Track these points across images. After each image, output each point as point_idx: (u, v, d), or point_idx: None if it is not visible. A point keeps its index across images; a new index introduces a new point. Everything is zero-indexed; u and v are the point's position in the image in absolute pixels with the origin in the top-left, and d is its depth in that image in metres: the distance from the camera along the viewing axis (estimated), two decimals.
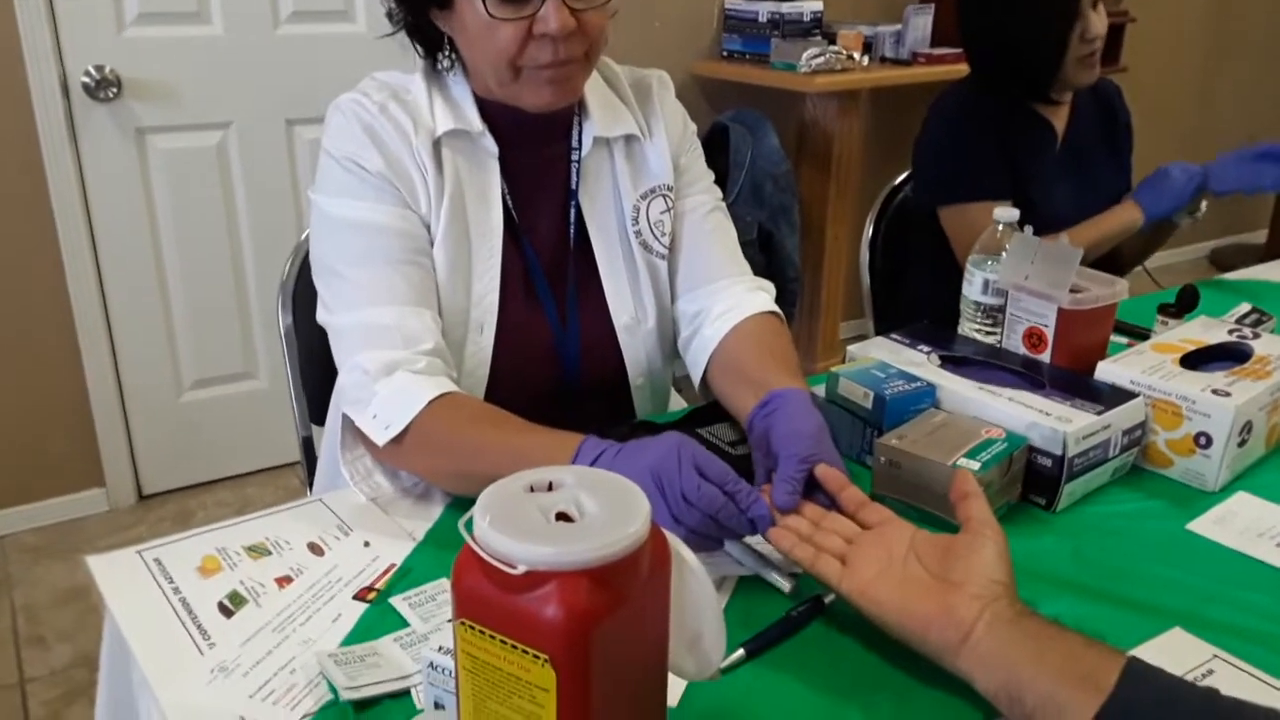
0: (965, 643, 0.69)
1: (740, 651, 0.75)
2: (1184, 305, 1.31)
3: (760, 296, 1.14)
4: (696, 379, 1.15)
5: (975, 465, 0.89)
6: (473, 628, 0.55)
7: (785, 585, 0.83)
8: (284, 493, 2.52)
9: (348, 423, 0.98)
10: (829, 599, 0.81)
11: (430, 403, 0.93)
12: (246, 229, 2.45)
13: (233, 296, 2.48)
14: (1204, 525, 0.94)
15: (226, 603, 0.82)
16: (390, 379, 0.95)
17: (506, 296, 1.07)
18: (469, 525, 0.55)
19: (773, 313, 1.13)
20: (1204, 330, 1.14)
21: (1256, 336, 1.12)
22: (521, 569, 0.52)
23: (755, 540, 0.84)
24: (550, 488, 0.58)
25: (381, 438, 0.94)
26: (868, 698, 0.72)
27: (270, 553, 0.89)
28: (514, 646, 0.53)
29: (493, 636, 0.54)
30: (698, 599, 0.61)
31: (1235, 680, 0.73)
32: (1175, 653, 0.76)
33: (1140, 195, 1.64)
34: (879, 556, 0.76)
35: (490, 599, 0.53)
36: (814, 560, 0.78)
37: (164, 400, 2.47)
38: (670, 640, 0.61)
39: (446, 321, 1.04)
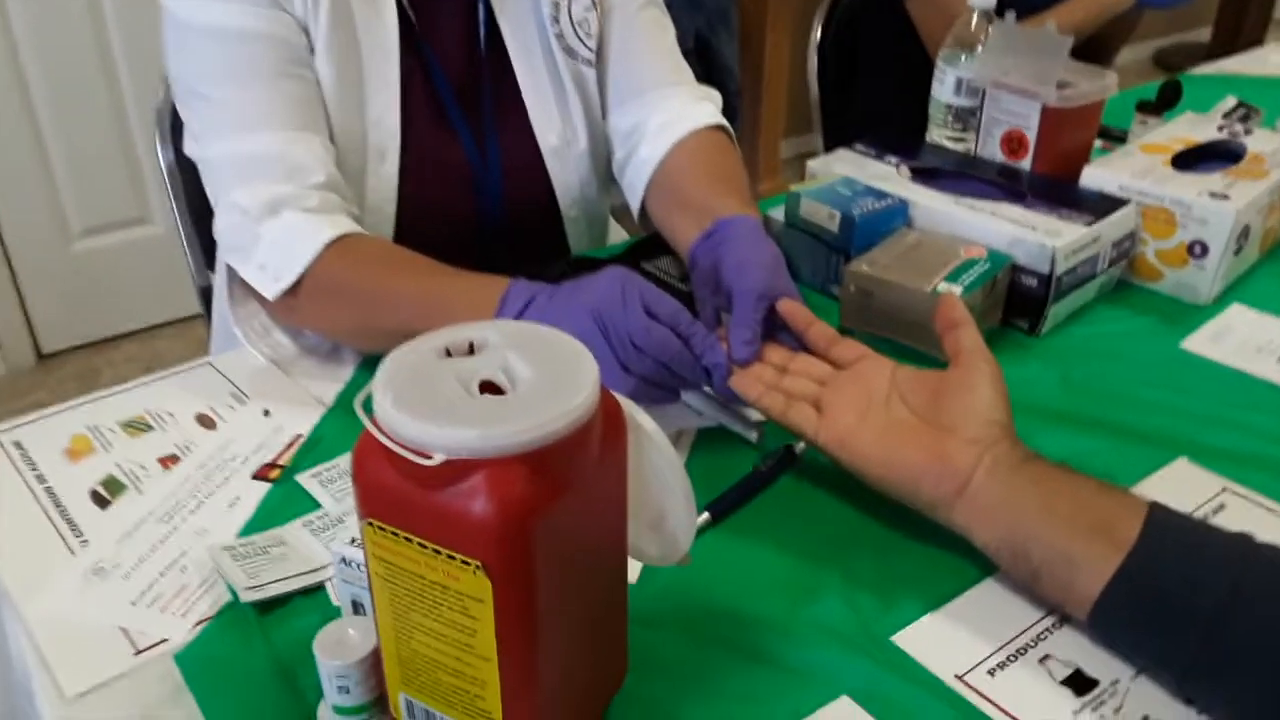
0: (962, 494, 0.60)
1: (705, 515, 0.66)
2: (1165, 102, 1.20)
3: (704, 107, 1.00)
4: (635, 206, 1.01)
5: (958, 290, 0.79)
6: (383, 529, 0.43)
7: (751, 435, 0.74)
8: (198, 346, 2.34)
9: (234, 274, 0.84)
10: (800, 448, 0.72)
11: (327, 245, 0.79)
12: (121, 53, 2.17)
13: (113, 132, 2.23)
14: (1199, 343, 0.87)
15: (101, 490, 0.70)
16: (276, 219, 0.80)
17: (410, 117, 0.92)
18: (368, 405, 0.43)
19: (719, 126, 1.00)
20: (1192, 128, 1.04)
21: (1248, 133, 1.02)
22: (439, 458, 0.40)
23: None
24: (471, 350, 0.46)
25: (271, 290, 0.80)
26: (849, 558, 0.64)
27: (151, 428, 0.76)
28: (437, 552, 0.42)
29: (409, 539, 0.43)
30: (660, 473, 0.50)
31: (1248, 513, 0.67)
32: (1183, 486, 0.69)
33: None
34: (857, 400, 0.67)
35: (403, 496, 0.42)
36: (785, 410, 0.68)
37: (52, 251, 2.26)
38: (629, 522, 0.51)
39: (340, 149, 0.88)
